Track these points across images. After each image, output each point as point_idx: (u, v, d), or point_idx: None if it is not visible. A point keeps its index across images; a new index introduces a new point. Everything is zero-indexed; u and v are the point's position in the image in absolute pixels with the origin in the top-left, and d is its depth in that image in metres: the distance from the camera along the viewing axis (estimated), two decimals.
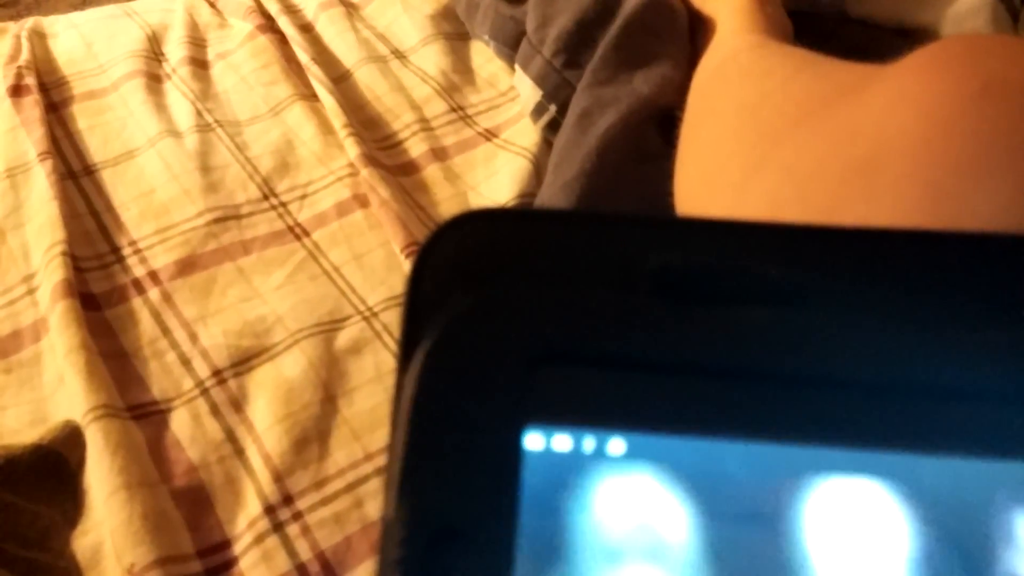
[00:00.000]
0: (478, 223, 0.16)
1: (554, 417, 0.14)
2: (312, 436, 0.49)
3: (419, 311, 0.15)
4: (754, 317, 0.15)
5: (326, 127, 0.67)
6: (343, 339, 0.54)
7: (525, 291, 0.15)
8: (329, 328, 0.54)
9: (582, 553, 0.14)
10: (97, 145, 0.68)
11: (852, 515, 0.14)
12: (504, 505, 0.13)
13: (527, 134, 0.67)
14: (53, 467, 0.39)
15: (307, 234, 0.60)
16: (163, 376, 0.51)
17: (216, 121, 0.69)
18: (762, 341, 0.14)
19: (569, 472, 0.14)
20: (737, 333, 0.14)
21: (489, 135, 0.68)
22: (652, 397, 0.14)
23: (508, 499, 0.13)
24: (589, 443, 0.14)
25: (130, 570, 0.42)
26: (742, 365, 0.14)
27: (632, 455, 0.14)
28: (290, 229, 0.61)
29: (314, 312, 0.55)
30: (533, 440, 0.13)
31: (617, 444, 0.14)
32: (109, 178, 0.64)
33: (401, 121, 0.68)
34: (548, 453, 0.14)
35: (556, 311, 0.14)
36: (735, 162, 0.42)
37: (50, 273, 0.55)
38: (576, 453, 0.14)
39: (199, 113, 0.69)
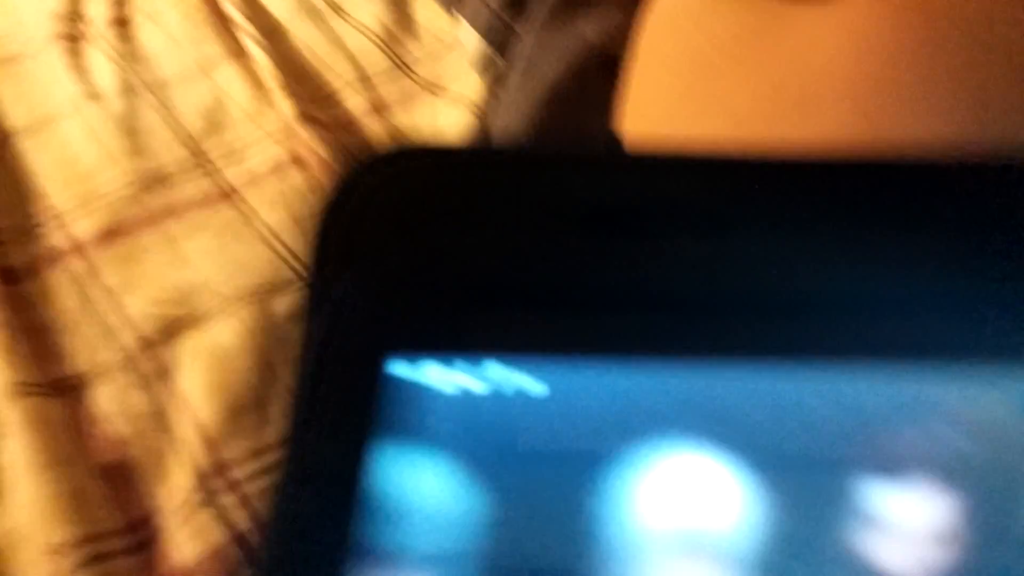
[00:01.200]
0: (396, 161, 0.16)
1: (419, 345, 0.14)
2: (249, 405, 0.47)
3: (329, 254, 0.15)
4: (683, 249, 0.14)
5: (259, 85, 0.64)
6: (282, 305, 0.52)
7: (440, 232, 0.15)
8: (267, 294, 0.52)
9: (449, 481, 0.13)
10: (17, 112, 0.64)
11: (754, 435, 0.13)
12: (363, 432, 0.13)
13: (471, 85, 0.64)
14: None
15: (240, 196, 0.58)
16: (86, 348, 0.48)
17: (142, 82, 0.65)
18: (685, 272, 0.14)
19: (465, 406, 0.13)
20: (661, 265, 0.14)
21: (432, 87, 0.66)
22: (569, 329, 0.14)
23: (367, 427, 0.13)
24: (497, 372, 0.13)
25: (54, 550, 0.40)
26: (656, 294, 0.14)
27: (552, 394, 0.13)
28: (223, 192, 0.58)
29: (249, 278, 0.53)
30: (434, 371, 0.13)
31: (527, 381, 0.13)
32: (29, 146, 0.61)
33: (339, 77, 0.65)
34: (416, 377, 0.13)
35: (470, 249, 0.14)
36: (672, 99, 0.41)
37: None
38: (496, 394, 0.14)
39: (123, 75, 0.65)
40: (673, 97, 0.41)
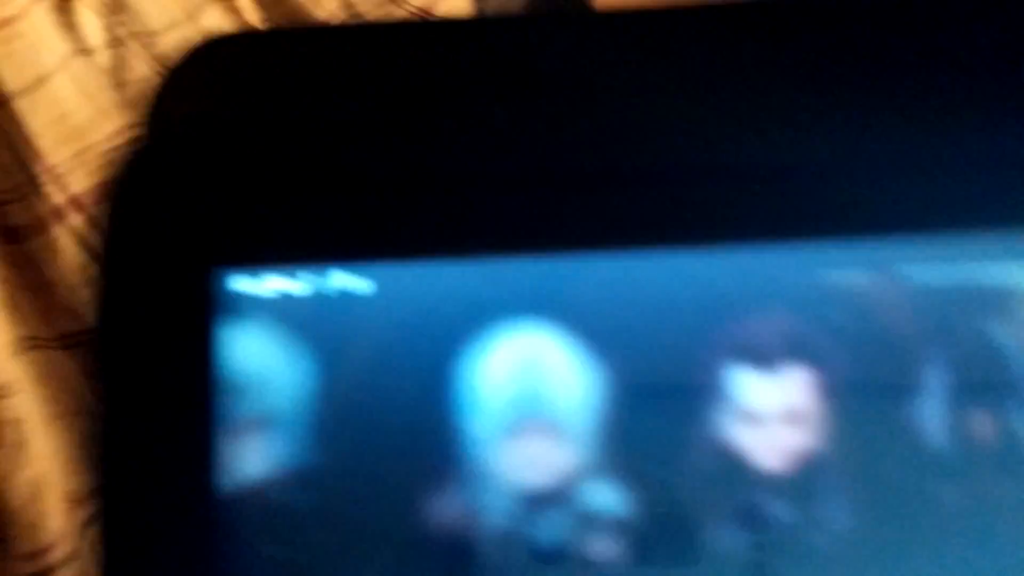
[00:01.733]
0: (217, 50, 0.14)
1: (244, 256, 0.13)
2: None
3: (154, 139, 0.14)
4: (511, 120, 0.13)
5: (246, 25, 0.62)
6: None
7: (262, 120, 0.14)
8: None
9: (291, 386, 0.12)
10: (11, 75, 0.64)
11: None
12: (193, 351, 0.12)
13: (464, 9, 0.62)
14: None
15: None
16: (91, 304, 0.49)
17: (130, 33, 0.64)
18: (515, 148, 0.13)
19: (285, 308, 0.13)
20: (489, 140, 0.13)
21: (423, 14, 0.63)
22: (398, 223, 0.13)
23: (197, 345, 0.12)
24: (309, 277, 0.12)
25: (73, 498, 0.40)
26: (489, 176, 0.13)
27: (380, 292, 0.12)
28: None
29: None
30: (241, 280, 0.13)
31: (353, 281, 0.12)
32: (22, 107, 0.60)
33: (324, 8, 0.63)
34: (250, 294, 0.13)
35: (266, 139, 0.13)
36: None
37: None
38: (320, 295, 0.13)
39: (110, 27, 0.64)
40: None
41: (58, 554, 0.41)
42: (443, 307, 0.12)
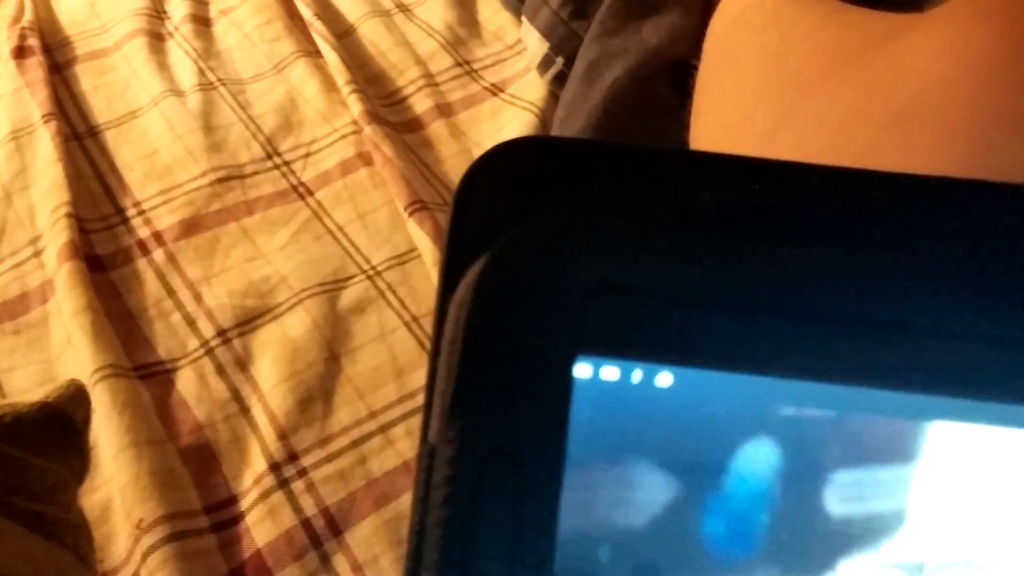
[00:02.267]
0: (527, 151, 0.15)
1: (605, 347, 0.14)
2: (316, 394, 0.49)
3: (463, 236, 0.15)
4: (807, 257, 0.15)
5: (329, 84, 0.66)
6: (347, 298, 0.54)
7: (578, 220, 0.14)
8: (333, 288, 0.54)
9: (627, 481, 0.14)
10: (101, 106, 0.68)
11: (900, 456, 0.14)
12: (554, 430, 0.14)
13: (534, 88, 0.66)
14: (59, 424, 0.40)
15: (311, 193, 0.60)
16: (168, 336, 0.51)
17: (219, 79, 0.68)
18: (816, 281, 0.14)
19: (617, 401, 0.14)
20: (791, 272, 0.14)
21: (495, 90, 0.67)
22: (702, 332, 0.14)
23: (558, 425, 0.13)
24: (637, 374, 0.14)
25: (138, 525, 0.42)
26: (795, 304, 0.14)
27: (680, 388, 0.14)
28: (294, 188, 0.60)
29: (318, 272, 0.55)
30: (582, 369, 0.13)
31: (665, 377, 0.14)
32: (113, 139, 0.64)
33: (405, 77, 0.67)
34: (597, 382, 0.14)
35: (610, 241, 0.14)
36: (760, 112, 0.40)
37: (56, 235, 0.55)
38: (624, 383, 0.14)
39: (201, 72, 0.68)
40: (759, 107, 0.40)
41: None
42: (725, 410, 0.13)
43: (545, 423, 0.13)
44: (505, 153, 0.15)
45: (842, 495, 0.14)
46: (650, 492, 0.14)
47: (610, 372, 0.13)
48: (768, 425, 0.14)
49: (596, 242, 0.14)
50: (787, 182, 0.15)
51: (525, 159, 0.15)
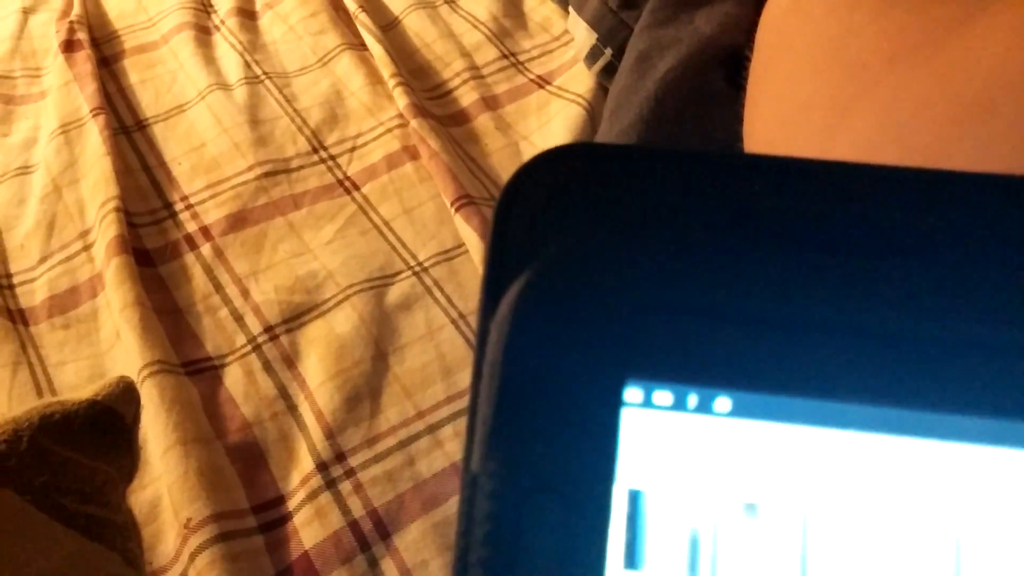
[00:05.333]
0: (572, 157, 0.14)
1: (656, 370, 0.13)
2: (364, 393, 0.48)
3: (505, 251, 0.14)
4: (877, 269, 0.13)
5: (375, 77, 0.65)
6: (394, 295, 0.53)
7: (627, 232, 0.13)
8: (380, 284, 0.53)
9: (679, 511, 0.13)
10: (148, 100, 0.68)
11: (976, 485, 0.13)
12: (602, 461, 0.13)
13: (582, 80, 0.64)
14: (108, 422, 0.40)
15: (357, 187, 0.59)
16: (216, 332, 0.51)
17: (264, 73, 0.67)
18: (885, 296, 0.13)
19: (672, 429, 0.13)
20: (859, 286, 0.13)
21: (542, 82, 0.66)
22: (761, 353, 0.13)
23: (606, 454, 0.12)
24: (693, 399, 0.13)
25: (186, 525, 0.42)
26: (863, 322, 0.13)
27: (738, 414, 0.13)
28: (340, 183, 0.59)
29: (365, 267, 0.54)
30: (633, 394, 0.13)
31: (723, 402, 0.13)
32: (160, 133, 0.64)
33: (451, 69, 0.66)
34: (649, 407, 0.13)
35: (661, 256, 0.13)
36: (819, 103, 0.39)
37: (105, 229, 0.55)
38: (679, 409, 0.13)
39: (248, 65, 0.68)
40: (817, 98, 0.39)
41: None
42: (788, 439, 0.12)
43: (592, 453, 0.12)
44: (550, 160, 0.14)
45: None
46: (704, 523, 0.13)
47: (663, 398, 0.12)
48: (833, 456, 0.13)
49: (646, 256, 0.13)
50: (851, 185, 0.14)
51: (571, 167, 0.14)
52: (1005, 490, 0.12)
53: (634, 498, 0.12)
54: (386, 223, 0.57)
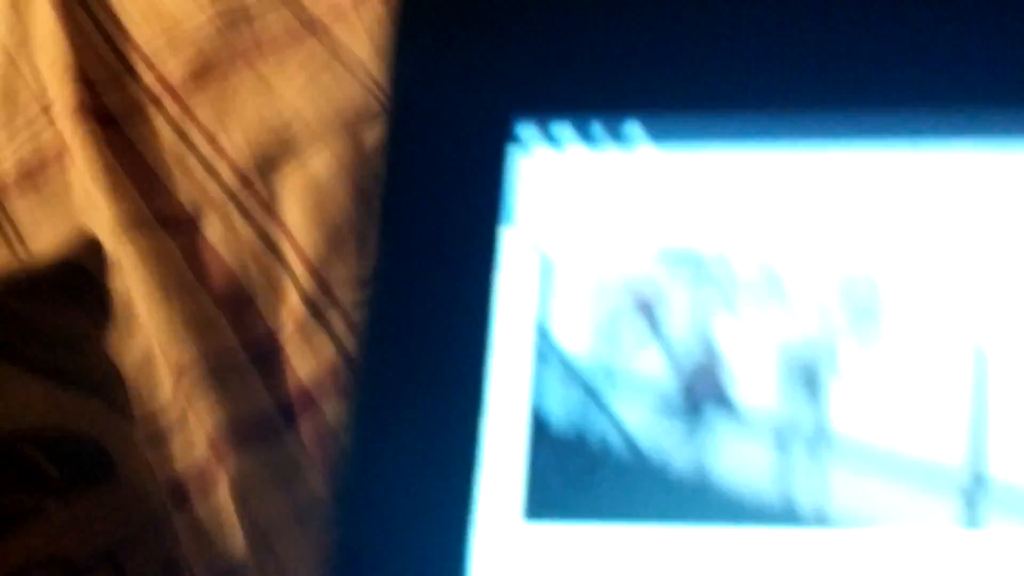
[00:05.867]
0: None
1: (549, 101, 0.12)
2: (347, 234, 0.47)
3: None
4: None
5: None
6: (372, 136, 0.50)
7: None
8: (357, 125, 0.51)
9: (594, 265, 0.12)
10: None
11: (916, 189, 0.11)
12: (488, 205, 0.12)
13: None
14: (74, 277, 0.38)
15: (327, 31, 0.56)
16: (190, 185, 0.49)
17: None
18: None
19: (580, 171, 0.12)
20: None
21: None
22: (672, 67, 0.11)
23: (492, 198, 0.12)
24: (597, 130, 0.11)
25: (178, 367, 0.42)
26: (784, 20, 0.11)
27: (653, 140, 0.12)
28: (307, 25, 0.56)
29: (340, 110, 0.51)
30: (526, 131, 0.12)
31: (633, 129, 0.11)
32: None
33: None
34: (549, 145, 0.12)
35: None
36: None
37: (64, 94, 0.52)
38: (583, 143, 0.12)
39: None
40: None
41: (168, 418, 0.43)
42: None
43: (479, 197, 0.11)
44: None
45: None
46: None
47: (562, 133, 0.11)
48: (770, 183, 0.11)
49: None
50: None
51: None
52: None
53: (543, 256, 0.11)
54: (360, 65, 0.54)
